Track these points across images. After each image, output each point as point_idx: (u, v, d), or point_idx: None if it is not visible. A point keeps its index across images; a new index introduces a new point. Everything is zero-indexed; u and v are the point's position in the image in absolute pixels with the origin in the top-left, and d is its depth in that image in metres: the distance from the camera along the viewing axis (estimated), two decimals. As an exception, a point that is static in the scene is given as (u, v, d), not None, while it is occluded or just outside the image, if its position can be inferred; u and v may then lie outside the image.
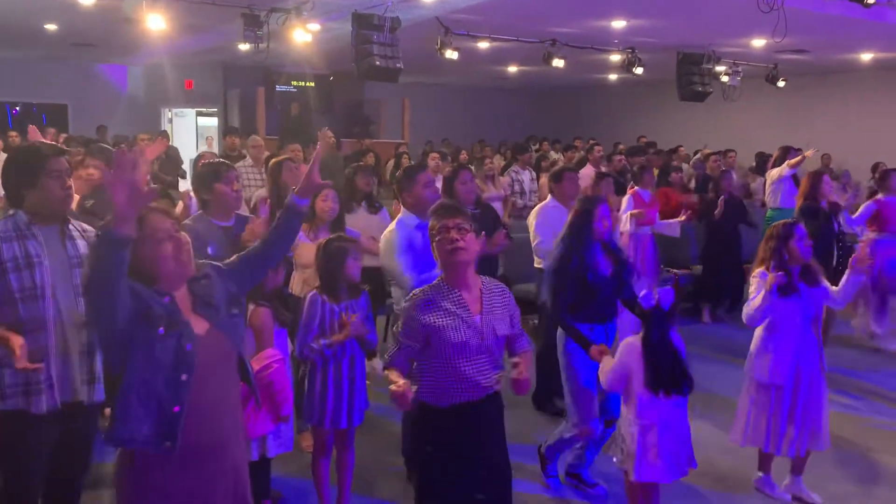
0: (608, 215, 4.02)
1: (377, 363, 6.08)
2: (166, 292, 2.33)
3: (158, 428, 2.26)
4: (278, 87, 15.31)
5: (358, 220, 5.59)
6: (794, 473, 4.23)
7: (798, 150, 8.34)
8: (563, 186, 5.37)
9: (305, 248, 4.43)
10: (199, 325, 2.37)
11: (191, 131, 16.73)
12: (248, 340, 3.49)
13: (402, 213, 4.11)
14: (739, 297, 8.03)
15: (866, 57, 12.22)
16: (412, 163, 11.12)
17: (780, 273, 3.89)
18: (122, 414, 2.26)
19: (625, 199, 6.97)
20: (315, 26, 8.71)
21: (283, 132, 13.54)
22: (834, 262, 6.31)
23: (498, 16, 8.82)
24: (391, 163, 11.65)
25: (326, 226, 4.64)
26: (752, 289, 4.03)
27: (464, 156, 11.75)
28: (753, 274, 4.05)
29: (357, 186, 5.75)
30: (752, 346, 4.15)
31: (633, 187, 7.10)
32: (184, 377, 2.28)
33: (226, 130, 10.29)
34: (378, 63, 8.18)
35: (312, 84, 15.43)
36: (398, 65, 8.35)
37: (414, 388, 2.76)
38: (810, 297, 4.02)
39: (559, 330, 4.04)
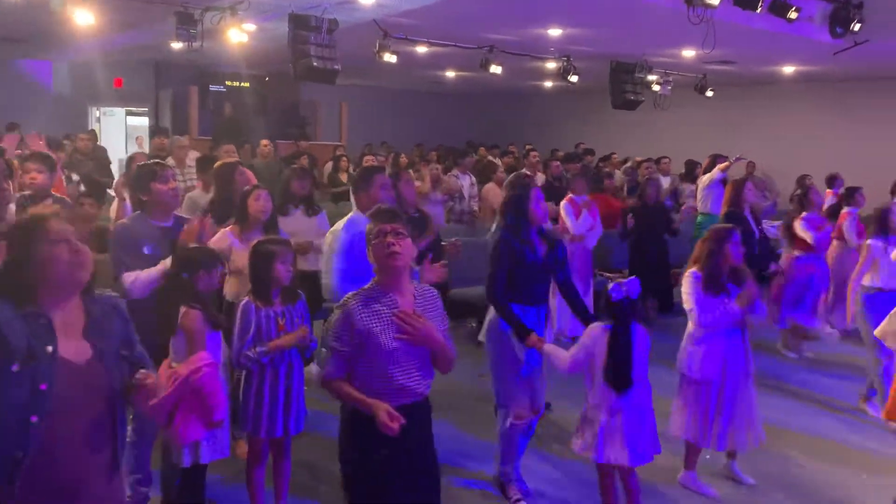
0: (542, 198, 4.13)
1: (314, 368, 6.02)
2: (43, 313, 2.11)
3: None
4: (212, 87, 14.99)
5: (293, 224, 5.50)
6: (730, 458, 4.53)
7: (726, 158, 8.63)
8: None
9: (238, 253, 4.32)
10: (81, 353, 2.15)
11: (120, 131, 16.22)
12: (180, 343, 3.43)
13: (354, 213, 4.07)
14: (666, 300, 8.26)
15: (788, 69, 12.73)
16: (350, 165, 11.16)
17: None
18: None
19: (562, 206, 7.08)
20: (251, 26, 8.58)
21: (216, 133, 13.28)
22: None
23: (436, 21, 8.84)
24: (328, 165, 11.57)
25: (259, 228, 4.54)
26: (684, 287, 4.23)
27: (404, 159, 11.76)
28: (686, 273, 4.25)
29: (292, 190, 5.68)
30: (683, 344, 4.32)
31: (569, 195, 7.21)
32: (33, 419, 2.04)
33: (154, 131, 10.05)
34: (315, 64, 8.10)
35: (247, 84, 15.18)
36: (335, 66, 8.29)
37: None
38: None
39: (490, 313, 4.10)
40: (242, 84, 15.18)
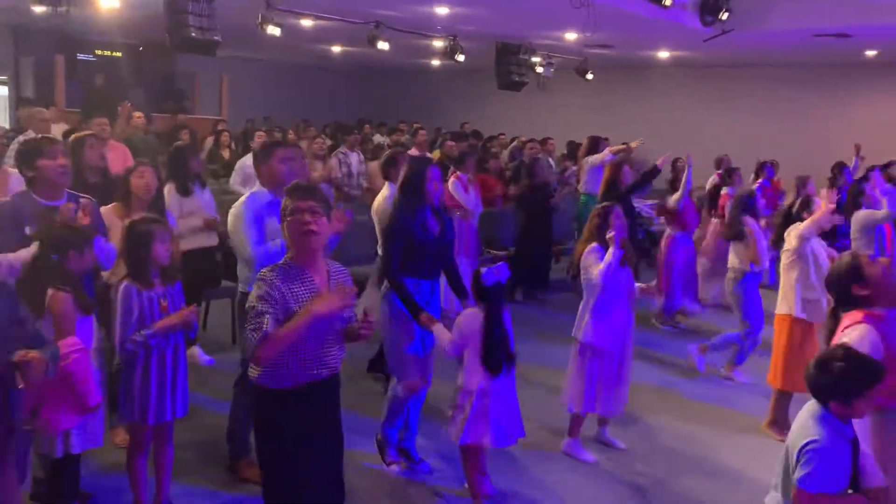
0: (439, 178, 4.20)
1: (196, 351, 5.84)
2: None
3: None
4: (80, 56, 14.08)
5: (196, 202, 5.48)
6: (601, 425, 4.79)
7: (605, 140, 8.94)
8: (399, 171, 5.43)
9: (119, 234, 4.11)
10: None
11: (-25, 101, 14.97)
12: (47, 328, 3.23)
13: (256, 187, 4.02)
14: (548, 277, 8.54)
15: (664, 55, 13.31)
16: (231, 141, 10.81)
17: (618, 242, 4.33)
18: None
19: (451, 183, 7.13)
20: (123, -9, 8.10)
21: (86, 105, 12.49)
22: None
23: (322, -7, 8.67)
24: (209, 140, 11.14)
25: (143, 208, 4.33)
26: (590, 261, 4.43)
27: (292, 135, 11.49)
28: (588, 250, 4.47)
29: (192, 167, 5.57)
30: (586, 317, 4.49)
31: (455, 172, 7.26)
32: None
33: (19, 102, 9.32)
34: (193, 34, 7.72)
35: (120, 54, 14.37)
36: (216, 37, 7.94)
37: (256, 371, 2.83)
38: (628, 272, 4.52)
39: (384, 287, 4.16)
40: (115, 54, 14.38)
